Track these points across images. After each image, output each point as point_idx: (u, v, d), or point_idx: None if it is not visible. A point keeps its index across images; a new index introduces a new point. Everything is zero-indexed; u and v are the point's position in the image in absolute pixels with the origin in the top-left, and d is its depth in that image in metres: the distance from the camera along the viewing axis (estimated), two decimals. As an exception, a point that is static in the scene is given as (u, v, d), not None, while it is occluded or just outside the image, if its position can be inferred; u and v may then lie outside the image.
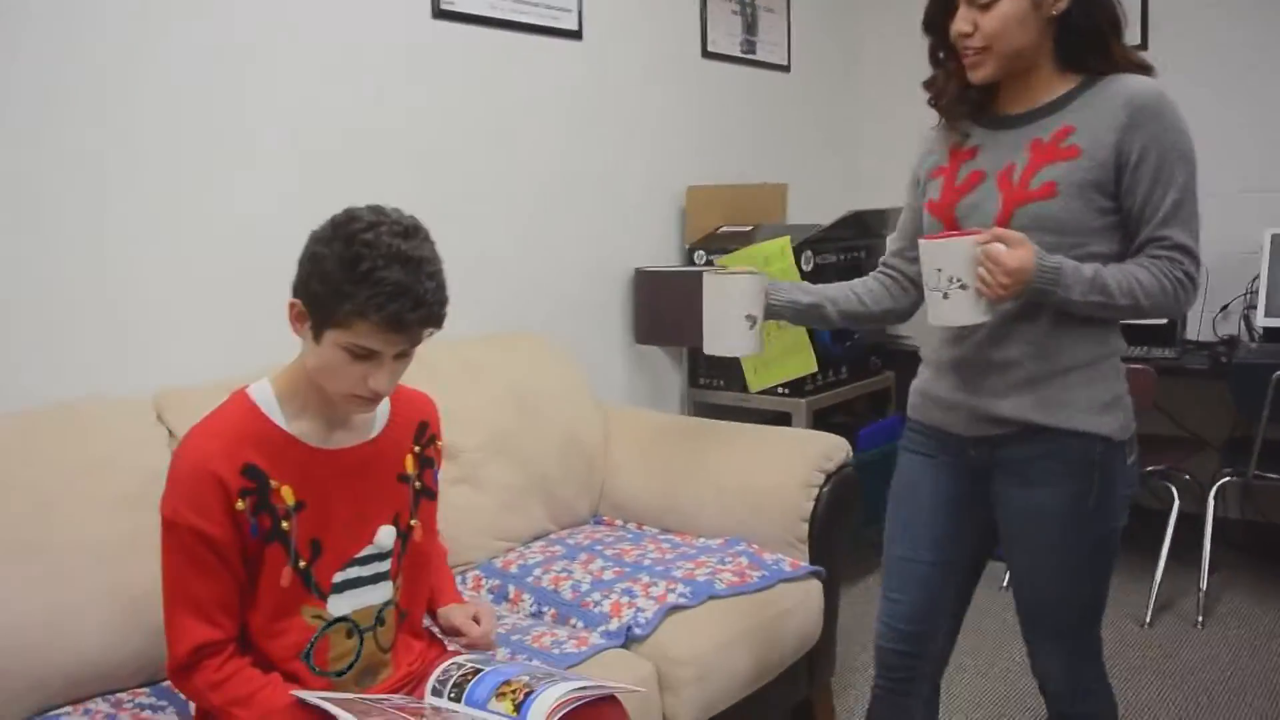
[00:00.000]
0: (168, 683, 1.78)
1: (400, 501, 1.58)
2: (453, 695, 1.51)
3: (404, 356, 1.43)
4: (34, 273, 1.98)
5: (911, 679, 1.83)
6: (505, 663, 1.60)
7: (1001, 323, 1.60)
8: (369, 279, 1.32)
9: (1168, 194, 1.54)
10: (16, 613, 1.65)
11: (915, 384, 1.80)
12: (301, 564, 1.45)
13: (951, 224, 1.66)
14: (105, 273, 2.08)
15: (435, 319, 1.40)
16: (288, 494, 1.44)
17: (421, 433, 1.63)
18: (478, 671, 1.54)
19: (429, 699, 1.54)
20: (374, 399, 1.43)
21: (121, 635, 1.74)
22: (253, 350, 2.16)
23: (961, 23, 1.57)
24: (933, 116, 1.75)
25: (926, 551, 1.77)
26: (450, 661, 1.59)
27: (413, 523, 1.59)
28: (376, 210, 1.40)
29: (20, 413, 1.85)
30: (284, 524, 1.43)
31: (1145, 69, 1.61)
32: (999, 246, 1.48)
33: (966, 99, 1.68)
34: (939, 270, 1.52)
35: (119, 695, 1.75)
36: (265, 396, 1.48)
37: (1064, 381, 1.60)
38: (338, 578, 1.50)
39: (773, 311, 1.75)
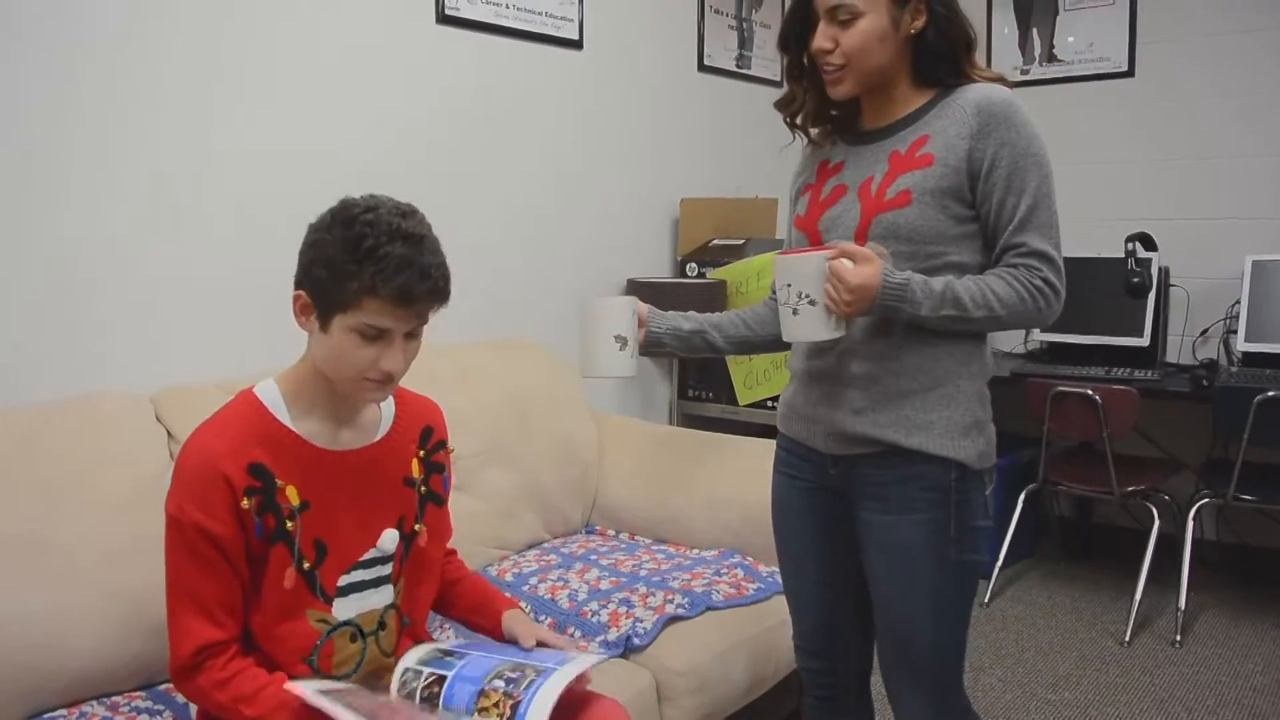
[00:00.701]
0: (164, 686, 1.78)
1: (406, 505, 1.57)
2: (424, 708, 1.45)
3: (413, 337, 1.43)
4: (30, 270, 1.96)
5: (836, 694, 1.82)
6: (461, 660, 1.52)
7: (862, 336, 1.58)
8: (374, 256, 1.33)
9: (1021, 200, 1.51)
10: (12, 614, 1.62)
11: (782, 395, 1.78)
12: (306, 565, 1.44)
13: (815, 238, 1.65)
14: (103, 272, 2.06)
15: (442, 293, 1.40)
16: (293, 494, 1.43)
17: (426, 437, 1.63)
18: (441, 679, 1.47)
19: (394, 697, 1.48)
20: (386, 382, 1.43)
21: (118, 638, 1.72)
22: (252, 351, 2.15)
23: (822, 39, 1.57)
24: None
25: (811, 573, 1.76)
26: (404, 669, 1.52)
27: (417, 527, 1.58)
28: (373, 196, 1.42)
29: (15, 412, 1.83)
30: (288, 524, 1.42)
31: (998, 82, 1.60)
32: (845, 263, 1.46)
33: (826, 116, 1.69)
34: (789, 286, 1.50)
35: (115, 699, 1.73)
36: (272, 396, 1.47)
37: (923, 401, 1.57)
38: (343, 581, 1.49)
39: (654, 338, 1.71)
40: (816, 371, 1.66)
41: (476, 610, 1.70)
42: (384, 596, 1.55)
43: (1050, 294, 1.53)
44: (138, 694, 1.75)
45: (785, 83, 1.71)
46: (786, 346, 1.78)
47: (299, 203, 2.29)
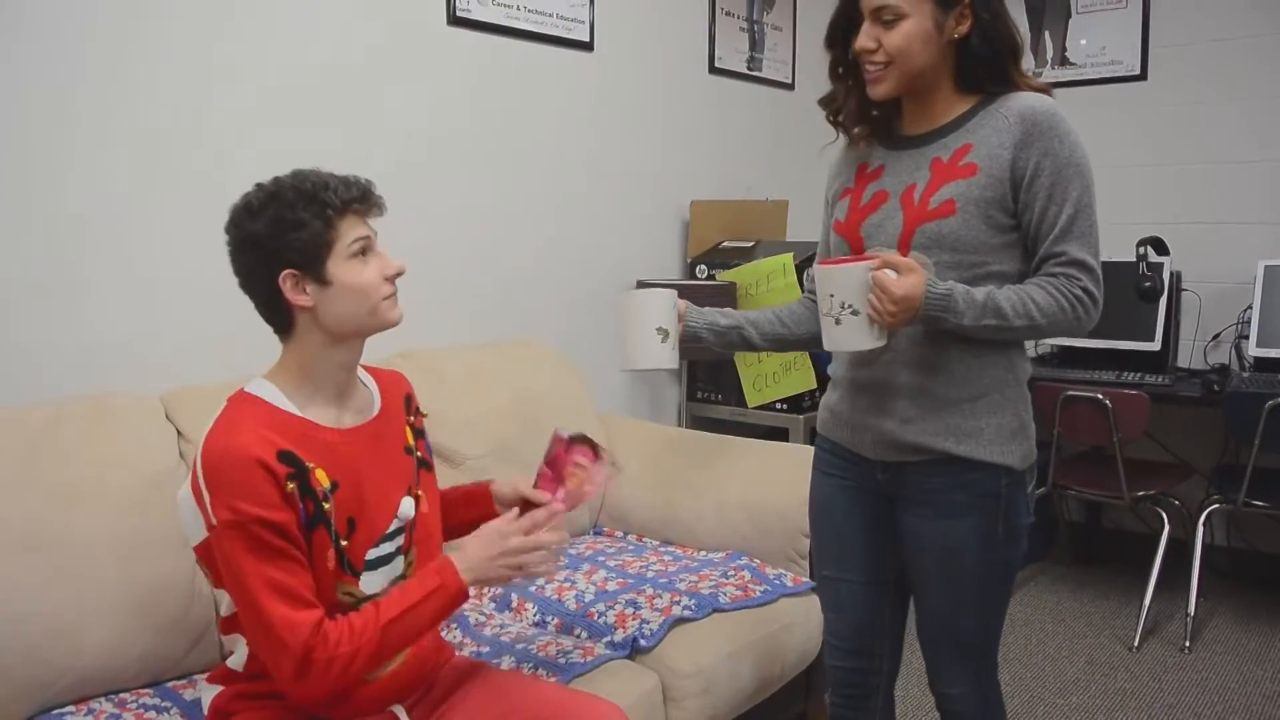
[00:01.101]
0: (172, 683, 1.79)
1: (409, 473, 1.60)
2: None
3: None
4: (38, 271, 1.97)
5: (865, 694, 1.84)
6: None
7: (909, 346, 1.60)
8: (325, 188, 1.45)
9: (1063, 209, 1.53)
10: (23, 611, 1.64)
11: (824, 400, 1.80)
12: (342, 544, 1.46)
13: (857, 243, 1.65)
14: (111, 272, 2.07)
15: (374, 190, 1.53)
16: (322, 476, 1.44)
17: (408, 405, 1.68)
18: None
19: None
20: (395, 288, 1.53)
21: (127, 635, 1.73)
22: (260, 350, 2.15)
23: (865, 39, 1.58)
24: None
25: (855, 572, 1.78)
26: None
27: (419, 493, 1.61)
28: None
29: (27, 410, 1.83)
30: (325, 505, 1.43)
31: (1043, 93, 1.61)
32: (888, 273, 1.47)
33: (866, 116, 1.69)
34: (831, 296, 1.51)
35: (122, 695, 1.73)
36: (269, 391, 1.49)
37: (972, 408, 1.60)
38: (371, 555, 1.50)
39: (691, 333, 1.73)
40: (864, 380, 1.67)
41: (464, 504, 1.74)
42: (399, 567, 1.56)
43: (1089, 303, 1.55)
44: (145, 691, 1.76)
45: (830, 81, 1.71)
46: (820, 346, 1.78)
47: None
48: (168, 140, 2.13)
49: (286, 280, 1.44)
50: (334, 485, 1.45)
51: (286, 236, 1.43)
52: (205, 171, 2.19)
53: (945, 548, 1.64)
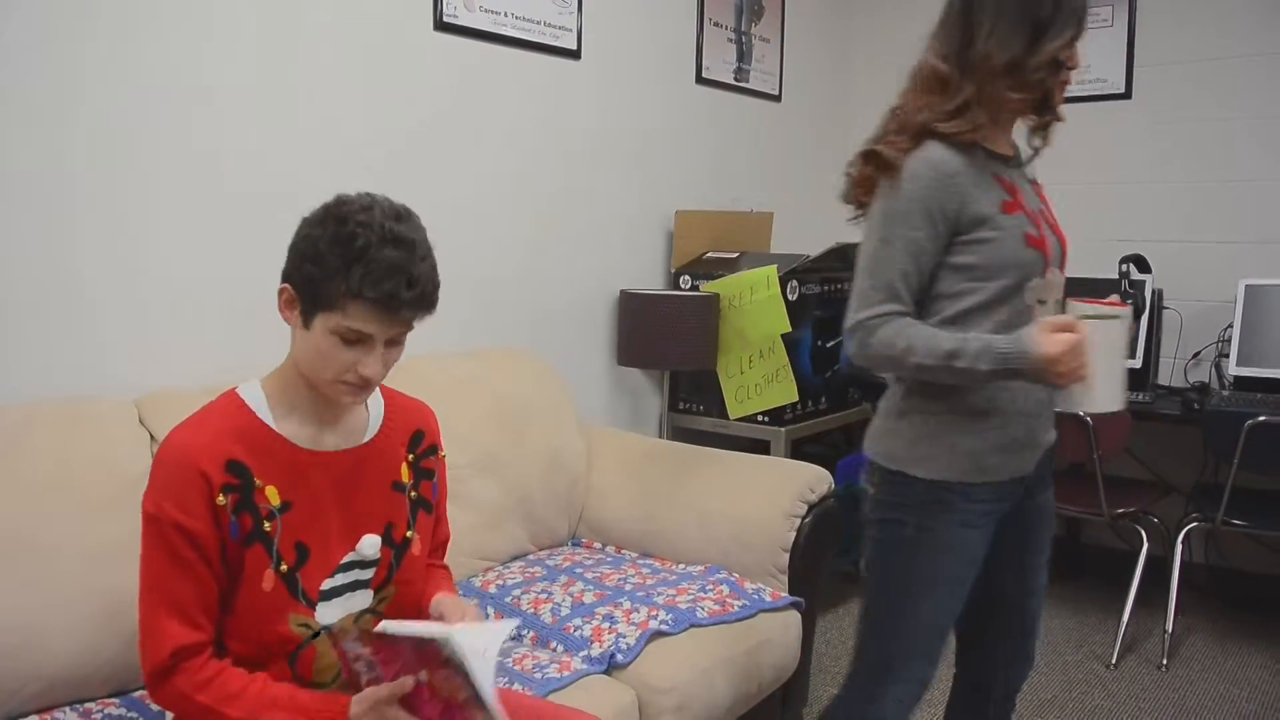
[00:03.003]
0: (138, 694, 1.75)
1: (394, 511, 1.54)
2: None
3: (395, 344, 1.41)
4: (19, 272, 1.94)
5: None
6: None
7: None
8: (364, 258, 1.31)
9: None
10: (-13, 618, 1.60)
11: (993, 442, 1.66)
12: (284, 568, 1.41)
13: (1051, 263, 1.65)
14: (92, 275, 2.04)
15: (428, 301, 1.37)
16: (272, 494, 1.40)
17: (416, 441, 1.59)
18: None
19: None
20: (363, 387, 1.40)
21: (94, 643, 1.70)
22: (240, 355, 2.13)
23: (1080, 57, 1.62)
24: None
25: (954, 612, 1.76)
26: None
27: (409, 534, 1.54)
28: (369, 195, 1.39)
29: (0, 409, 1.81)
30: (265, 525, 1.39)
31: None
32: None
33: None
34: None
35: (88, 705, 1.70)
36: (254, 395, 1.45)
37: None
38: (326, 585, 1.45)
39: None
40: (1035, 405, 1.69)
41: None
42: (362, 600, 1.50)
43: None
44: (111, 701, 1.73)
45: (1051, 84, 1.60)
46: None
47: (293, 207, 2.27)
48: (157, 146, 2.11)
49: (284, 292, 1.39)
50: (285, 505, 1.41)
51: (306, 264, 1.35)
52: (193, 177, 2.17)
53: (1050, 508, 1.85)
